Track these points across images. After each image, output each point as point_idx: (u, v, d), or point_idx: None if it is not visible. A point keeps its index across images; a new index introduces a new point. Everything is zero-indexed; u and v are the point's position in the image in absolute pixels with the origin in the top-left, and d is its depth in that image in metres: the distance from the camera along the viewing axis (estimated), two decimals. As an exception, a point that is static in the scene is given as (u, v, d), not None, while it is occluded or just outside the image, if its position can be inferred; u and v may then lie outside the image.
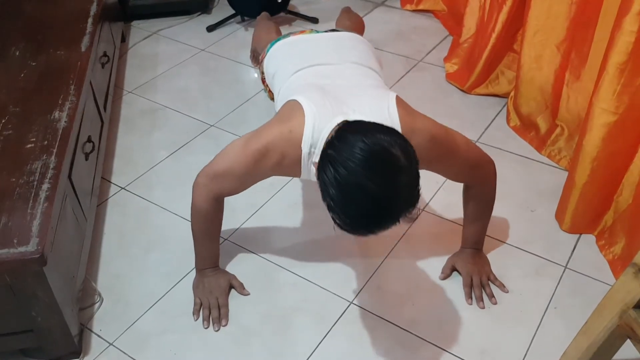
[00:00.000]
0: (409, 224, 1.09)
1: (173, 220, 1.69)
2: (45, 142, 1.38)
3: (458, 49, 2.31)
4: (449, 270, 1.51)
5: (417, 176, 1.03)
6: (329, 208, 1.03)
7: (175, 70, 2.37)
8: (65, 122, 1.45)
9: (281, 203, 1.76)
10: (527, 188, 1.78)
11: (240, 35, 2.61)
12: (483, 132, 2.01)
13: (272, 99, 1.57)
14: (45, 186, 1.27)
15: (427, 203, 1.71)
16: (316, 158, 1.14)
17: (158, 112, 2.14)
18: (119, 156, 1.94)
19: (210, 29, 2.63)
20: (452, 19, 2.60)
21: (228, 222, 1.63)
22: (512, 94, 2.05)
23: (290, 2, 2.62)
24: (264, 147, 1.22)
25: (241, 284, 1.49)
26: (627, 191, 1.49)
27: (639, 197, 1.43)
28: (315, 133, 1.18)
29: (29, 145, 1.38)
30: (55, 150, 1.36)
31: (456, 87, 2.23)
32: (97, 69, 1.89)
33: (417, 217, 1.08)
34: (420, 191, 1.03)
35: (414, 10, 2.75)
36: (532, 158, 1.90)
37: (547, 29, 1.81)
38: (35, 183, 1.27)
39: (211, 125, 2.07)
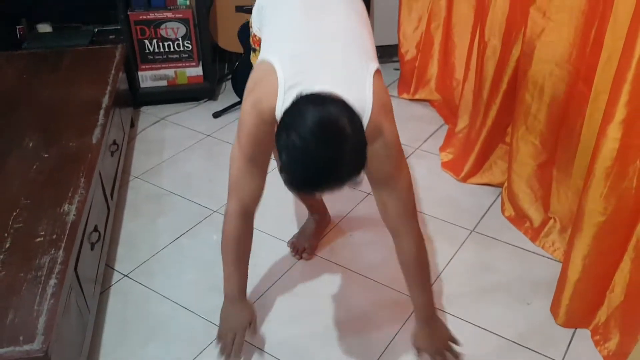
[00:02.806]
0: (352, 188, 1.17)
1: (173, 309, 1.72)
2: (54, 236, 1.43)
3: (453, 139, 2.41)
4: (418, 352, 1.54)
5: (364, 145, 1.12)
6: (280, 170, 1.12)
7: (181, 155, 2.46)
8: (74, 215, 1.51)
9: (283, 290, 1.79)
10: (522, 279, 1.82)
11: (244, 121, 2.71)
12: (479, 222, 2.07)
13: None
14: (52, 281, 1.31)
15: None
16: None
17: (163, 198, 2.20)
18: (123, 242, 1.98)
19: (217, 115, 2.74)
20: (447, 108, 2.71)
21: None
22: (505, 184, 2.12)
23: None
24: (252, 127, 1.31)
25: (255, 326, 1.53)
26: (618, 288, 1.52)
27: (630, 295, 1.47)
28: (285, 103, 1.21)
29: (38, 239, 1.43)
30: (63, 245, 1.41)
31: (451, 176, 2.31)
32: (106, 158, 1.97)
33: (361, 182, 1.15)
34: (365, 160, 1.12)
35: (410, 99, 2.88)
36: (527, 249, 1.94)
37: (531, 127, 1.91)
38: (43, 278, 1.31)
39: (214, 211, 2.12)
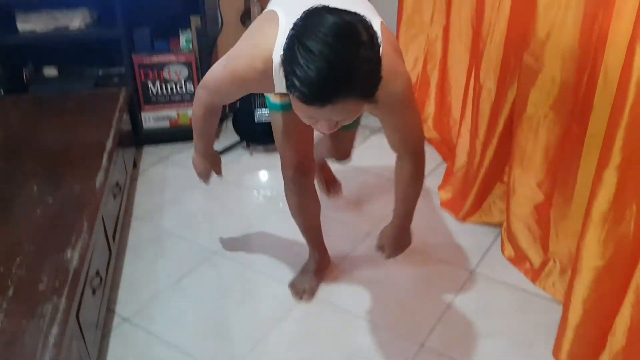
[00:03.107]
0: (370, 105, 1.16)
1: (173, 353, 1.71)
2: (57, 284, 1.44)
3: (452, 178, 2.43)
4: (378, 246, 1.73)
5: (378, 61, 1.10)
6: (291, 85, 1.09)
7: (182, 195, 2.48)
8: (76, 262, 1.52)
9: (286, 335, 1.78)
10: (524, 322, 1.82)
11: (245, 161, 2.75)
12: (479, 262, 2.07)
13: None
14: (54, 330, 1.31)
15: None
16: None
17: (164, 238, 2.22)
18: (124, 285, 1.99)
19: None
20: (445, 146, 2.75)
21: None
22: (504, 224, 2.14)
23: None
24: (240, 70, 1.36)
25: (220, 168, 1.91)
26: (619, 333, 1.52)
27: (631, 341, 1.47)
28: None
29: (41, 286, 1.44)
30: (65, 292, 1.42)
31: (451, 214, 2.33)
32: (109, 201, 1.99)
33: (376, 102, 1.15)
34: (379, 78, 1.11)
35: (409, 138, 2.91)
36: (528, 290, 1.94)
37: (528, 168, 1.94)
38: (45, 327, 1.32)
39: (214, 252, 2.13)
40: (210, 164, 1.88)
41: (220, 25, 2.90)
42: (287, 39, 1.11)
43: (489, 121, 2.08)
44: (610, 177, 1.40)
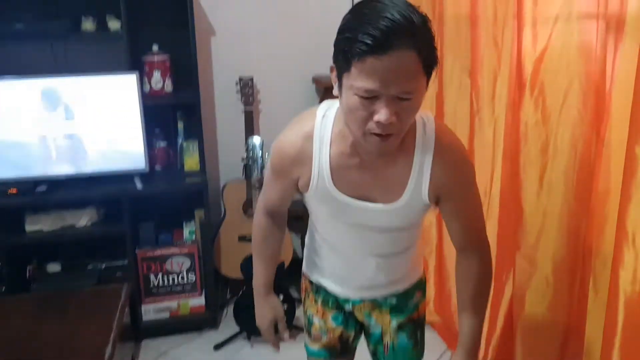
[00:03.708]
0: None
1: None
2: None
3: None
4: None
5: (433, 37, 1.10)
6: (346, 46, 1.07)
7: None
8: None
9: None
10: None
11: (246, 353, 2.69)
12: None
13: None
14: None
15: None
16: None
17: None
18: None
19: (217, 347, 2.73)
20: (448, 331, 2.72)
21: None
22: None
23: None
24: (283, 144, 1.33)
25: (285, 325, 1.57)
26: None
27: None
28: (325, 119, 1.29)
29: None
30: None
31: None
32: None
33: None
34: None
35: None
36: None
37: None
38: None
39: None
40: (273, 314, 1.58)
41: (223, 215, 3.02)
42: (341, 21, 1.14)
43: (490, 319, 2.09)
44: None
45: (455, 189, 1.29)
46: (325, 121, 1.29)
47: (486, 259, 1.37)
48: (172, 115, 2.95)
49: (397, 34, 1.03)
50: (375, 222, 1.34)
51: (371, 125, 1.12)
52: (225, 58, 3.07)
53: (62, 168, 2.68)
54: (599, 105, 1.59)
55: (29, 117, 2.59)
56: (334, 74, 1.16)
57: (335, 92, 1.19)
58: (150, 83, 2.78)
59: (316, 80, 3.09)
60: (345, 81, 1.11)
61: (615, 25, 1.50)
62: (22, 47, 2.67)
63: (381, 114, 1.09)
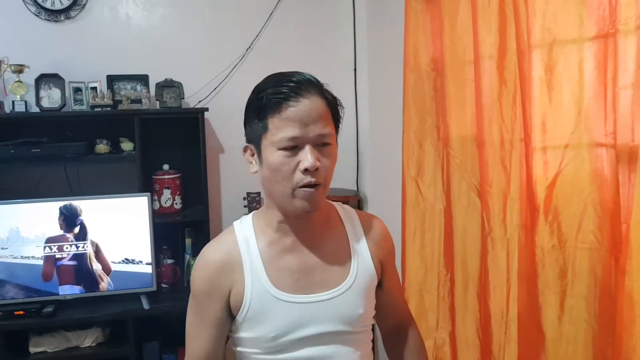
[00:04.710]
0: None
1: None
2: None
3: None
4: None
5: (336, 98, 1.24)
6: (262, 109, 1.16)
7: None
8: None
9: None
10: None
11: None
12: None
13: None
14: None
15: None
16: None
17: None
18: None
19: None
20: None
21: None
22: None
23: None
24: (204, 259, 1.27)
25: None
26: None
27: None
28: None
29: None
30: None
31: None
32: None
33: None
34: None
35: None
36: None
37: None
38: None
39: None
40: None
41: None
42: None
43: None
44: None
45: (389, 258, 1.36)
46: (244, 223, 1.30)
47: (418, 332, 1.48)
48: (180, 232, 2.96)
49: (306, 85, 1.17)
50: (323, 325, 1.22)
51: (298, 177, 1.15)
52: (233, 174, 3.13)
53: (70, 289, 2.64)
54: (616, 232, 1.60)
55: (41, 238, 2.59)
56: (248, 152, 1.23)
57: (253, 170, 1.23)
58: (160, 201, 2.81)
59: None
60: (264, 143, 1.17)
61: (627, 157, 1.53)
62: (38, 169, 2.73)
63: (306, 160, 1.14)
